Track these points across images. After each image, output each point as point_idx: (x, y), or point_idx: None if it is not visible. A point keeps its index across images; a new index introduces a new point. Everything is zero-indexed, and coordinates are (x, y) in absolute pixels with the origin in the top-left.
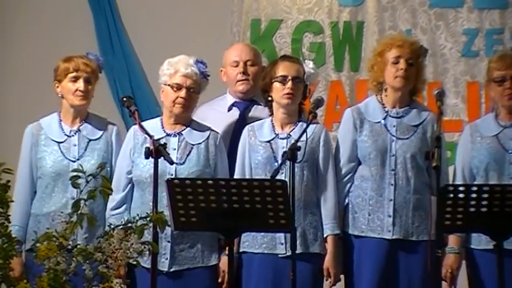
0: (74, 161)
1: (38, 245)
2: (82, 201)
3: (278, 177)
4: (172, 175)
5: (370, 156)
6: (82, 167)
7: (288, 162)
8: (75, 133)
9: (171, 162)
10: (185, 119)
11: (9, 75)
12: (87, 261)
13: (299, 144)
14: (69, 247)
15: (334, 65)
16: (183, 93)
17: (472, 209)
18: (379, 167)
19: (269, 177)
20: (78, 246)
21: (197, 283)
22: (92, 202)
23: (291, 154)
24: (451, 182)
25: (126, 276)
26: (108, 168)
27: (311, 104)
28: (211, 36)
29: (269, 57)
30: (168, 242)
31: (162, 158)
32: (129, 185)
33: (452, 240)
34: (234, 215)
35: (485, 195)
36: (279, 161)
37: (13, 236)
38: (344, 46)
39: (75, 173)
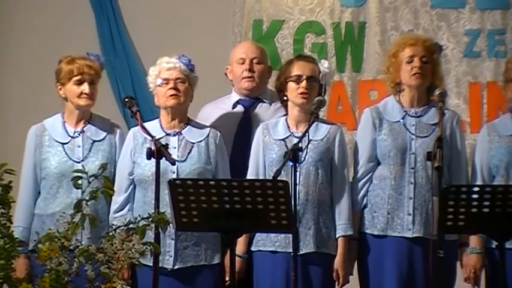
0: (78, 162)
1: (39, 245)
2: (84, 202)
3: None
4: (174, 173)
5: (389, 154)
6: (84, 167)
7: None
8: (79, 134)
9: (173, 163)
10: (182, 115)
11: (10, 75)
12: (89, 262)
13: (316, 143)
14: (71, 248)
15: (336, 66)
16: (171, 84)
17: (474, 210)
18: (398, 166)
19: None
20: (80, 247)
21: (201, 281)
22: (96, 203)
23: (293, 154)
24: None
25: (129, 278)
26: (112, 170)
27: (313, 105)
28: (213, 36)
29: (271, 58)
30: (172, 239)
31: (163, 158)
32: (131, 186)
33: (474, 240)
34: (235, 215)
35: (487, 196)
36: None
37: (15, 236)
38: (346, 47)
39: (77, 174)
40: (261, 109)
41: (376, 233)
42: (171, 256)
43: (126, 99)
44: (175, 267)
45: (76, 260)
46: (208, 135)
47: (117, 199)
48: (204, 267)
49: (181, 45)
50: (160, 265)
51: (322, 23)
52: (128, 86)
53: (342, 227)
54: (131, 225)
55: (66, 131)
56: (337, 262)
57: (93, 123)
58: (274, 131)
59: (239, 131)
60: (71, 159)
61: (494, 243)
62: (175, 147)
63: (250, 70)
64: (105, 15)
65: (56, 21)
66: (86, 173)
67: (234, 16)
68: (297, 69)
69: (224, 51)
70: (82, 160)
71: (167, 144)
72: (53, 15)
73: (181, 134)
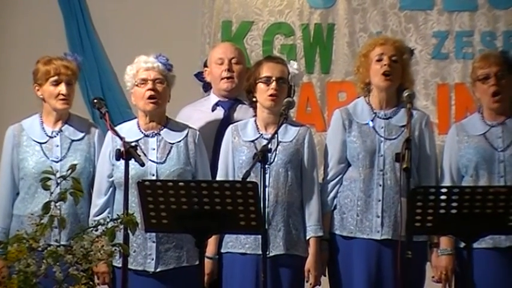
0: (56, 162)
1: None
2: (52, 203)
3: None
4: (153, 175)
5: (358, 156)
6: (52, 168)
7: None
8: (57, 134)
9: (142, 164)
10: (160, 117)
11: None
12: (58, 263)
13: (285, 145)
14: (40, 249)
15: (305, 67)
16: (149, 85)
17: (442, 211)
18: (367, 168)
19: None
20: (49, 248)
21: (183, 283)
22: (73, 204)
23: (262, 156)
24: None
25: (111, 282)
26: (91, 170)
27: (282, 106)
28: (182, 37)
29: None
30: (154, 242)
31: (132, 159)
32: (111, 189)
33: (445, 241)
34: (204, 216)
35: (455, 197)
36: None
37: None
38: (315, 48)
39: (46, 175)
40: (241, 110)
41: (345, 234)
42: (153, 259)
43: (95, 100)
44: (158, 270)
45: (44, 261)
46: (187, 135)
47: (97, 202)
48: (186, 268)
49: (150, 46)
50: (142, 268)
51: (291, 25)
52: (97, 87)
53: (312, 228)
54: (100, 227)
55: (44, 131)
56: (309, 262)
57: (71, 123)
58: (243, 132)
59: (219, 134)
60: (48, 159)
61: (462, 244)
62: (154, 149)
63: (229, 70)
64: (74, 16)
65: (25, 22)
66: (55, 174)
67: (203, 17)
68: (266, 71)
69: (193, 52)
70: (60, 160)
71: (136, 146)
72: (22, 16)
73: (159, 135)
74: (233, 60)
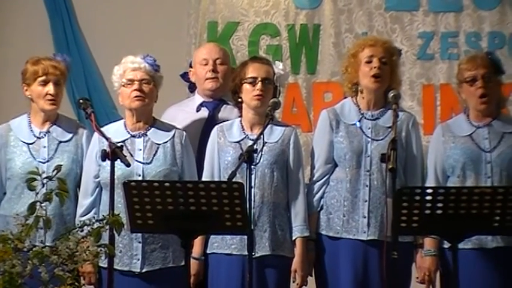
0: (43, 163)
1: None
2: (38, 204)
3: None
4: (140, 175)
5: (345, 157)
6: (38, 169)
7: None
8: (44, 134)
9: (128, 165)
10: (147, 117)
11: None
12: (43, 264)
13: (271, 146)
14: (25, 249)
15: (290, 68)
16: (136, 85)
17: (428, 211)
18: (354, 168)
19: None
20: (34, 249)
21: (169, 283)
22: (59, 205)
23: (248, 156)
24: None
25: (97, 282)
26: (78, 171)
27: (267, 107)
28: (168, 38)
29: None
30: (140, 242)
31: (118, 160)
32: (97, 189)
33: (429, 242)
34: (190, 217)
35: (441, 198)
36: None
37: None
38: (301, 49)
39: (31, 176)
40: (226, 111)
41: (331, 234)
42: (139, 259)
43: (81, 101)
44: (143, 270)
45: (30, 262)
46: (173, 136)
47: (83, 202)
48: (172, 269)
49: (136, 46)
50: (127, 269)
51: (277, 25)
52: (83, 88)
53: (298, 229)
54: (86, 227)
55: (32, 132)
56: (296, 263)
57: (59, 124)
58: (229, 133)
59: (204, 134)
60: (35, 159)
61: (447, 244)
62: (140, 149)
63: (214, 71)
64: (60, 16)
65: (10, 22)
66: (40, 175)
67: (189, 18)
68: (251, 71)
69: (179, 53)
70: (47, 161)
71: (122, 146)
72: (7, 16)
73: (146, 135)
74: (218, 61)
